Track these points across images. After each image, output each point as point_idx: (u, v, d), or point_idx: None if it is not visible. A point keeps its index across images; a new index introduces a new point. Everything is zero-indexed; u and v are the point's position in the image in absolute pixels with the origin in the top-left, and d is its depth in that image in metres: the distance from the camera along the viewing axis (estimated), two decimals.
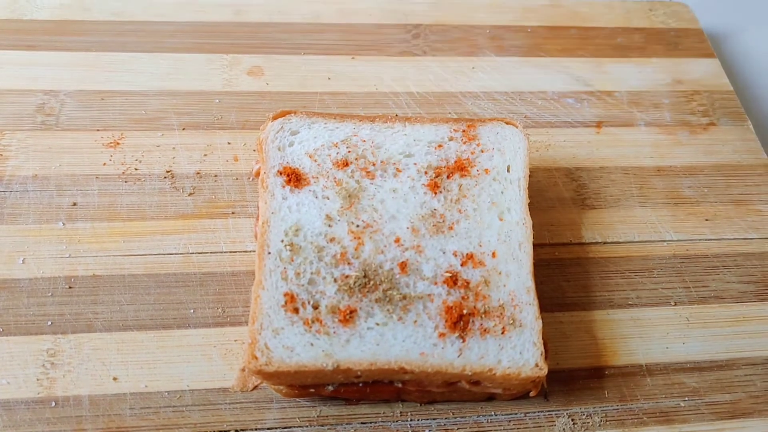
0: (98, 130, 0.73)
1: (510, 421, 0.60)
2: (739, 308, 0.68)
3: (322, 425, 0.59)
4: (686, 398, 0.62)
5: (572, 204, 0.73)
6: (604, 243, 0.71)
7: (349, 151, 0.65)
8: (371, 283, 0.58)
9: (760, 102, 0.90)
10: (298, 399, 0.59)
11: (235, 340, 0.62)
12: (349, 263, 0.58)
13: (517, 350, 0.56)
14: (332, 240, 0.60)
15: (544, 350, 0.56)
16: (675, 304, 0.67)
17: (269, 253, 0.59)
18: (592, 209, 0.73)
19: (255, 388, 0.60)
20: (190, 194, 0.70)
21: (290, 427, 0.58)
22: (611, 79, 0.85)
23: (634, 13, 0.93)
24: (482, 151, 0.66)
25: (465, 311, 0.57)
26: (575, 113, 0.81)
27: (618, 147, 0.79)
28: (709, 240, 0.72)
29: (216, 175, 0.71)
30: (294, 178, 0.63)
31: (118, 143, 0.72)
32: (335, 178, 0.63)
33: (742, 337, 0.66)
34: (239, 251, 0.67)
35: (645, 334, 0.65)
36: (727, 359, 0.65)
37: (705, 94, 0.85)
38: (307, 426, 0.58)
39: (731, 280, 0.70)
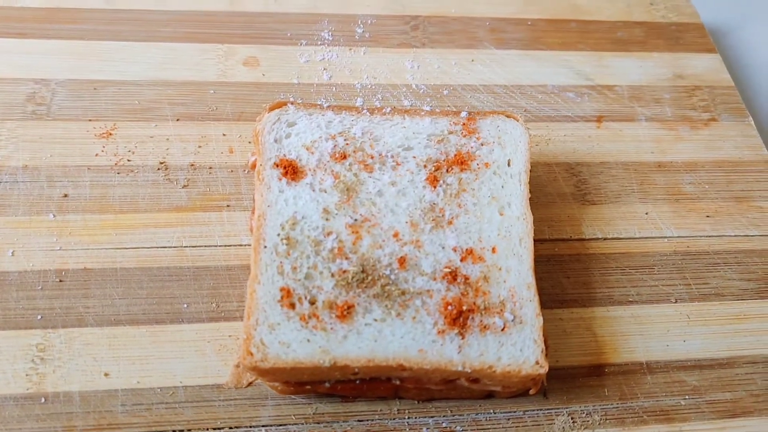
0: (90, 120, 0.72)
1: (509, 419, 0.59)
2: (740, 306, 0.67)
3: (318, 423, 0.58)
4: (687, 396, 0.62)
5: (572, 199, 0.72)
6: (605, 239, 0.70)
7: (347, 144, 0.63)
8: (369, 278, 0.57)
9: (761, 98, 0.89)
10: (293, 396, 0.58)
11: (230, 336, 0.61)
12: (346, 258, 0.57)
13: (517, 347, 0.55)
14: (329, 234, 0.58)
15: (544, 347, 0.56)
16: (676, 302, 0.67)
17: (265, 246, 0.57)
18: (593, 205, 0.72)
19: (249, 384, 0.59)
20: (184, 186, 0.68)
21: (285, 425, 0.57)
22: (612, 73, 0.84)
23: (635, 7, 0.92)
24: (482, 145, 0.65)
25: (465, 307, 0.56)
26: (576, 107, 0.80)
27: (618, 142, 0.78)
28: (710, 237, 0.71)
29: (211, 167, 0.70)
30: (291, 171, 0.61)
31: (110, 134, 0.71)
32: (333, 170, 0.62)
33: (743, 335, 0.65)
34: (234, 245, 0.65)
35: (645, 331, 0.65)
36: (728, 357, 0.64)
37: (706, 90, 0.84)
38: (302, 423, 0.57)
39: (732, 277, 0.69)
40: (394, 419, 0.58)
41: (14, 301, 0.60)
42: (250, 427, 0.57)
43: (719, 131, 0.80)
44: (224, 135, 0.72)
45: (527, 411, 0.60)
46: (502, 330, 0.56)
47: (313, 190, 0.61)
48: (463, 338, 0.55)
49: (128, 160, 0.69)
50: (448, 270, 0.58)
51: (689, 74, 0.85)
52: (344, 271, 0.57)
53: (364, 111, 0.66)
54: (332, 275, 0.56)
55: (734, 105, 0.83)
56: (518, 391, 0.58)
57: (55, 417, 0.56)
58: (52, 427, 0.55)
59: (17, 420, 0.55)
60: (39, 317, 0.60)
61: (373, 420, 0.58)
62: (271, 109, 0.65)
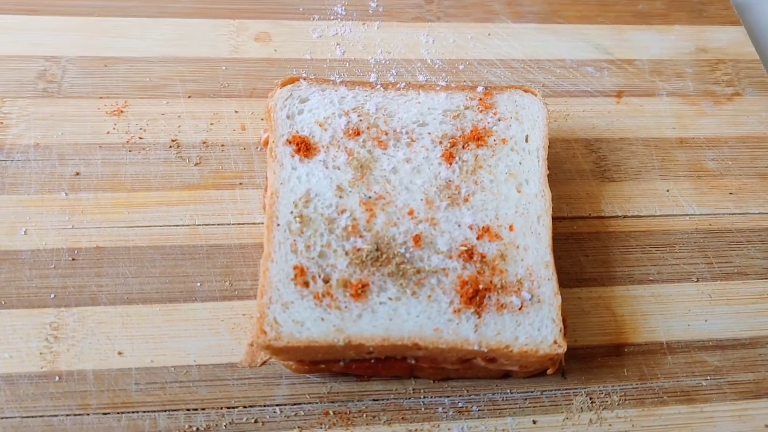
0: (101, 97, 0.71)
1: (526, 399, 0.58)
2: (764, 285, 0.66)
3: (333, 402, 0.57)
4: (708, 377, 0.60)
5: (591, 176, 0.71)
6: (624, 217, 0.68)
7: (360, 120, 0.62)
8: (384, 256, 0.56)
9: None
10: (308, 375, 0.58)
11: (244, 314, 0.60)
12: (360, 236, 0.56)
13: (534, 327, 0.54)
14: (343, 212, 0.57)
15: (562, 327, 0.54)
16: (697, 280, 0.65)
17: (278, 224, 0.57)
18: (612, 182, 0.71)
19: (264, 363, 0.58)
20: (196, 164, 0.68)
21: (300, 404, 0.57)
22: (632, 47, 0.82)
23: None
24: (499, 120, 0.63)
25: (481, 286, 0.55)
26: (595, 82, 0.78)
27: (639, 117, 0.76)
28: (732, 214, 0.70)
29: (223, 145, 0.69)
30: (303, 148, 0.60)
31: (121, 111, 0.70)
32: (346, 147, 0.61)
33: (767, 315, 0.64)
34: (247, 223, 0.65)
35: (666, 310, 0.63)
36: (751, 337, 0.63)
37: (730, 63, 0.82)
38: (317, 402, 0.57)
39: (756, 255, 0.67)
40: (409, 399, 0.58)
41: (27, 279, 0.60)
42: (265, 406, 0.56)
43: (743, 106, 0.78)
44: (236, 112, 0.71)
45: (545, 391, 0.59)
46: (520, 309, 0.55)
47: (327, 167, 0.59)
48: (479, 317, 0.54)
49: (140, 138, 0.69)
50: (464, 248, 0.57)
51: (712, 47, 0.83)
52: (358, 249, 0.56)
53: (378, 86, 0.64)
54: (346, 253, 0.56)
55: (759, 79, 0.80)
56: (536, 370, 0.58)
57: (69, 395, 0.55)
58: (66, 405, 0.55)
59: (32, 398, 0.55)
60: (52, 296, 0.59)
61: (388, 399, 0.57)
62: (284, 84, 0.64)
